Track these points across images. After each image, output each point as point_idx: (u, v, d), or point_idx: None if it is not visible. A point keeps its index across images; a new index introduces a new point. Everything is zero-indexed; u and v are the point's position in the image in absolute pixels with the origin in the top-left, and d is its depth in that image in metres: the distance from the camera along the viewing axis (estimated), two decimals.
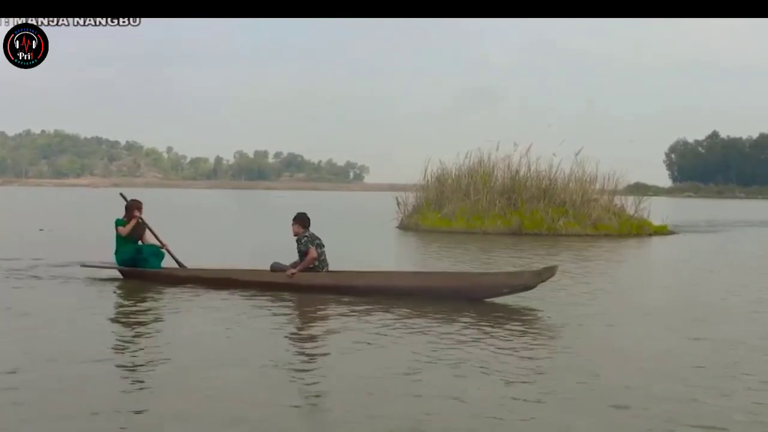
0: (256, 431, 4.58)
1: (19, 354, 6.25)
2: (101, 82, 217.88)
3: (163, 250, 10.71)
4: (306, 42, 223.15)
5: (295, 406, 5.06)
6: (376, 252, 15.85)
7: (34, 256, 12.90)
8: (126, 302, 9.25)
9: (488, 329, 7.55)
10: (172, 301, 9.12)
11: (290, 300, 9.19)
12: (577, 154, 23.82)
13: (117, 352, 6.50)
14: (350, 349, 6.63)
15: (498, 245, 17.94)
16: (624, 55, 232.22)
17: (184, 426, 4.62)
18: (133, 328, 7.63)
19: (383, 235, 21.25)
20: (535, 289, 9.11)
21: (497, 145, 24.15)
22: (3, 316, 8.06)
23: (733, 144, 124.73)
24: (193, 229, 19.73)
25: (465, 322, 7.87)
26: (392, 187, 30.25)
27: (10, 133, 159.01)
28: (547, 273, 9.03)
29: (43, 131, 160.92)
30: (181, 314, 8.37)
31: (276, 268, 9.91)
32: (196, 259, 11.00)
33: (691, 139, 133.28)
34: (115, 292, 9.82)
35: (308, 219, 10.00)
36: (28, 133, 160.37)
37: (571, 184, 23.31)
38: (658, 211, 24.65)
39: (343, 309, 8.59)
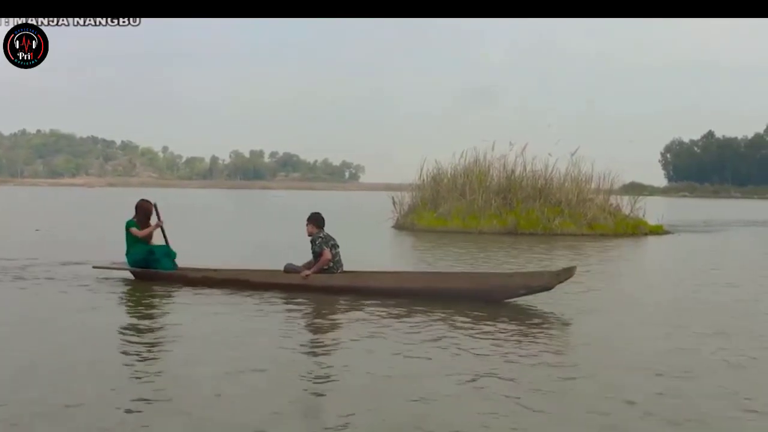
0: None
1: (30, 359, 6.17)
2: (98, 82, 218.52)
3: (174, 249, 10.65)
4: (304, 42, 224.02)
5: (306, 408, 5.05)
6: (372, 252, 15.82)
7: (39, 257, 12.83)
8: (138, 304, 9.11)
9: (504, 331, 7.42)
10: (184, 303, 9.01)
11: (304, 301, 9.03)
12: (573, 154, 23.87)
13: (129, 355, 6.43)
14: (364, 351, 6.54)
15: (494, 245, 17.93)
16: (624, 55, 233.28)
17: (194, 427, 4.62)
18: (145, 330, 7.55)
19: (379, 234, 21.20)
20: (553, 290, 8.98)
21: (493, 144, 24.23)
22: (17, 319, 7.94)
23: (729, 144, 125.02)
24: (192, 229, 19.68)
25: (481, 324, 7.74)
26: (388, 187, 30.21)
27: (6, 132, 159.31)
28: (566, 274, 8.89)
29: (38, 131, 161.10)
30: (194, 316, 8.23)
31: (290, 269, 9.76)
32: (197, 260, 10.92)
33: (686, 139, 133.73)
34: (127, 294, 9.69)
35: (323, 219, 9.83)
36: (23, 132, 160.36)
37: (566, 184, 23.33)
38: (653, 210, 24.70)
39: (358, 311, 8.47)
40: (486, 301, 8.91)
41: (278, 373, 5.85)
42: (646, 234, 22.67)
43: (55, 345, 6.72)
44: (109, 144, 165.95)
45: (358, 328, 7.57)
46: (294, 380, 5.62)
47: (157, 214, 10.77)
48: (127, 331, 7.43)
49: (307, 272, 9.60)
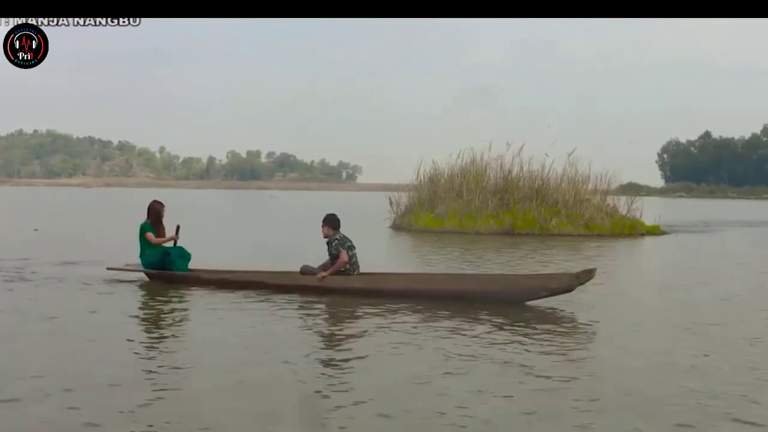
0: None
1: (47, 361, 6.15)
2: (95, 82, 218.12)
3: (188, 250, 10.60)
4: (302, 42, 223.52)
5: (322, 410, 5.02)
6: (370, 252, 15.77)
7: (44, 257, 12.83)
8: (154, 305, 9.04)
9: (523, 334, 7.35)
10: (200, 304, 8.96)
11: (321, 303, 8.99)
12: (569, 155, 23.89)
13: (144, 358, 6.43)
14: (381, 354, 6.49)
15: (492, 245, 17.94)
16: (623, 55, 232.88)
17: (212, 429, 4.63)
18: (162, 332, 7.54)
19: (376, 235, 21.00)
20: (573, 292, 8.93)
21: (490, 144, 24.24)
22: (33, 321, 7.88)
23: (725, 144, 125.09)
24: (192, 230, 19.62)
25: (500, 327, 7.66)
26: (385, 187, 30.21)
27: (3, 132, 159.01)
28: (586, 276, 8.83)
29: (35, 131, 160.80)
30: (210, 318, 8.16)
31: (306, 271, 9.66)
32: (200, 262, 10.85)
33: (683, 140, 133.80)
34: (142, 295, 9.65)
35: (338, 220, 9.74)
36: (20, 132, 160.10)
37: (563, 184, 23.34)
38: (650, 211, 24.71)
39: (375, 313, 8.36)
40: (506, 303, 8.82)
41: (294, 375, 5.81)
42: (642, 234, 22.68)
43: (70, 350, 6.64)
44: (105, 144, 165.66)
45: (375, 330, 7.50)
46: (311, 382, 5.60)
47: (177, 233, 10.65)
48: (144, 333, 7.47)
49: (324, 274, 9.51)
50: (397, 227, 23.63)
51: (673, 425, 4.75)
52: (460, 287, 9.28)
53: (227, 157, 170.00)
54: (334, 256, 9.54)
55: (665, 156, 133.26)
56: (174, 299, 9.29)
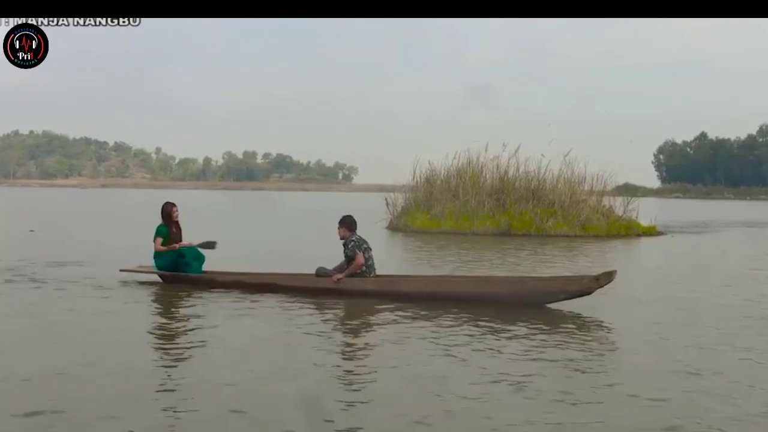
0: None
1: (60, 363, 6.11)
2: (92, 82, 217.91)
3: (203, 251, 10.56)
4: (299, 43, 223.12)
5: (336, 411, 5.00)
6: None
7: (46, 258, 12.82)
8: (168, 308, 8.98)
9: (544, 335, 7.34)
10: (215, 307, 8.85)
11: (336, 306, 8.91)
12: (565, 155, 23.91)
13: (158, 361, 6.42)
14: (397, 357, 6.42)
15: (489, 246, 17.94)
16: (622, 55, 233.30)
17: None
18: (176, 335, 7.49)
19: (372, 235, 20.66)
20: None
21: (486, 145, 24.25)
22: (48, 322, 7.86)
23: (722, 145, 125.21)
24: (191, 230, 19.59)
25: (518, 330, 7.59)
26: (381, 188, 30.22)
27: None
28: (605, 278, 8.71)
29: (31, 132, 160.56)
30: (225, 320, 8.08)
31: (321, 273, 9.55)
32: (210, 262, 10.80)
33: (679, 140, 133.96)
34: (157, 297, 9.59)
35: (355, 222, 9.62)
36: (16, 133, 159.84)
37: (559, 185, 23.36)
38: (646, 211, 24.74)
39: (391, 316, 8.27)
40: (525, 305, 8.73)
41: (308, 377, 5.80)
42: (639, 235, 22.71)
43: (84, 351, 6.62)
44: (102, 145, 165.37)
45: (392, 333, 7.43)
46: (326, 385, 5.59)
47: (204, 245, 10.62)
48: (158, 335, 7.46)
49: (339, 276, 9.41)
50: (393, 228, 23.61)
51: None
52: (477, 289, 9.16)
53: (223, 157, 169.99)
54: (350, 258, 9.43)
55: (661, 156, 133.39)
56: (187, 302, 9.22)
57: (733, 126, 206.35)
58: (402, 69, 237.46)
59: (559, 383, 5.68)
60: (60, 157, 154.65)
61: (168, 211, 10.65)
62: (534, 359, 6.44)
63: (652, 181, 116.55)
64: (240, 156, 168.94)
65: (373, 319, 8.34)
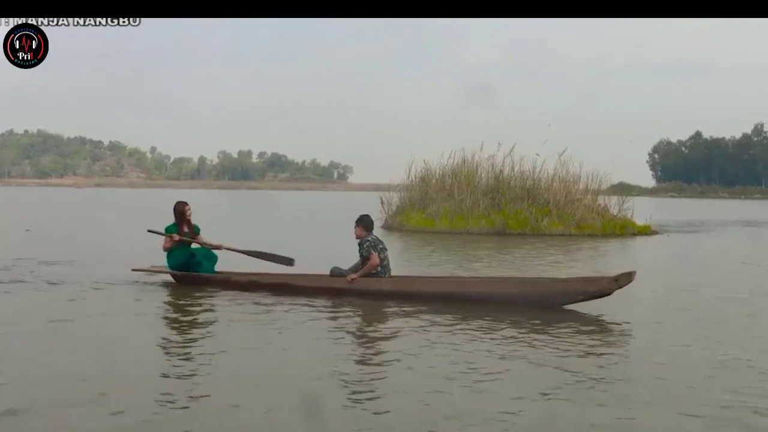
0: None
1: (77, 364, 6.14)
2: (88, 82, 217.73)
3: (215, 252, 10.52)
4: (295, 42, 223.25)
5: (351, 413, 5.00)
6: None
7: (54, 259, 12.77)
8: (181, 308, 8.91)
9: (562, 338, 7.22)
10: (227, 307, 8.77)
11: (350, 306, 8.83)
12: (560, 155, 23.93)
13: (171, 361, 6.42)
14: (411, 360, 6.34)
15: (485, 245, 17.94)
16: (621, 55, 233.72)
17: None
18: (188, 336, 7.46)
19: None
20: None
21: (481, 145, 24.26)
22: (60, 324, 7.77)
23: (716, 144, 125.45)
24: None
25: (534, 332, 7.49)
26: (377, 187, 30.16)
27: None
28: (625, 279, 8.52)
29: (26, 131, 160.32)
30: (238, 320, 8.01)
31: (336, 273, 9.47)
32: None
33: (674, 140, 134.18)
34: (169, 298, 9.55)
35: (372, 222, 9.55)
36: (11, 132, 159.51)
37: (554, 184, 23.36)
38: (641, 211, 24.75)
39: (406, 317, 8.17)
40: (542, 307, 8.60)
41: (322, 378, 5.77)
42: (634, 234, 22.72)
43: (98, 352, 6.60)
44: (96, 144, 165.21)
45: (407, 333, 7.38)
46: (340, 387, 5.56)
47: (216, 246, 10.59)
48: (171, 337, 7.44)
49: (354, 276, 9.33)
50: (388, 227, 23.58)
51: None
52: (493, 290, 9.01)
53: (218, 157, 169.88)
54: (365, 258, 9.36)
55: (656, 156, 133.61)
56: (199, 302, 9.13)
57: (727, 125, 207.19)
58: (402, 69, 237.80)
59: (577, 388, 5.60)
60: (55, 156, 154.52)
61: (181, 210, 10.59)
62: (553, 364, 6.32)
63: (647, 180, 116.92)
64: (235, 155, 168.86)
65: (386, 318, 8.30)
